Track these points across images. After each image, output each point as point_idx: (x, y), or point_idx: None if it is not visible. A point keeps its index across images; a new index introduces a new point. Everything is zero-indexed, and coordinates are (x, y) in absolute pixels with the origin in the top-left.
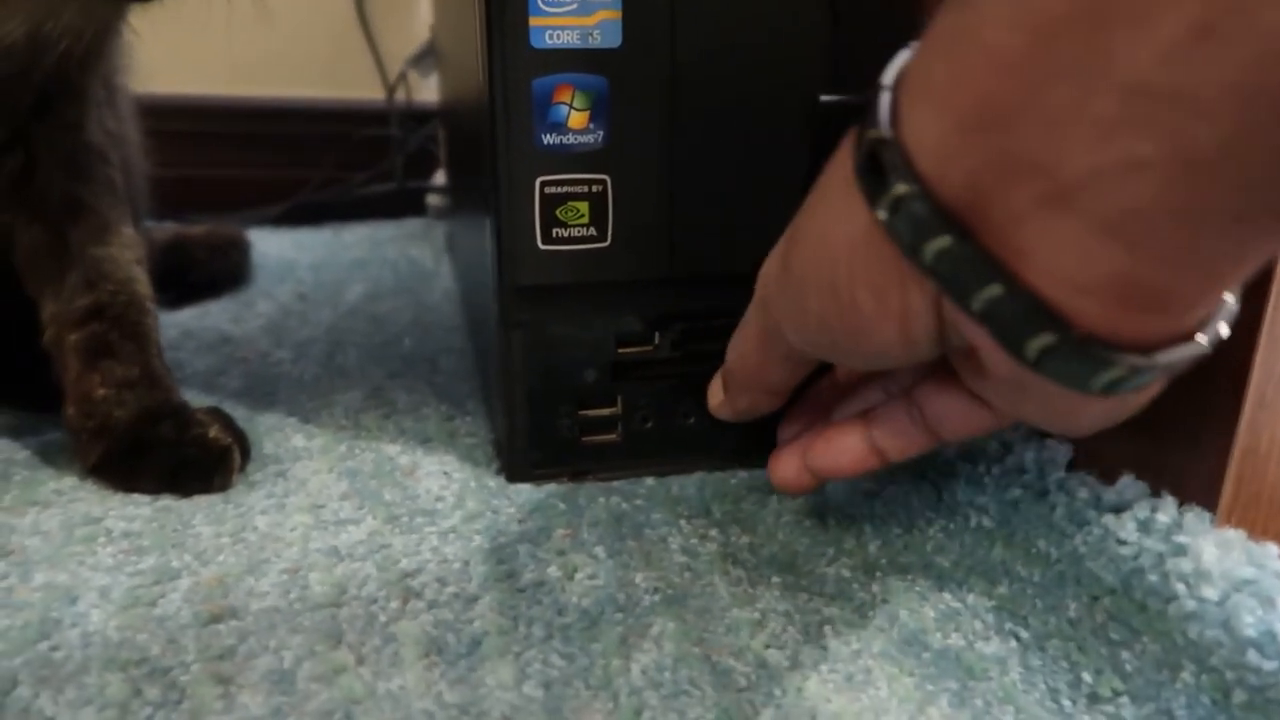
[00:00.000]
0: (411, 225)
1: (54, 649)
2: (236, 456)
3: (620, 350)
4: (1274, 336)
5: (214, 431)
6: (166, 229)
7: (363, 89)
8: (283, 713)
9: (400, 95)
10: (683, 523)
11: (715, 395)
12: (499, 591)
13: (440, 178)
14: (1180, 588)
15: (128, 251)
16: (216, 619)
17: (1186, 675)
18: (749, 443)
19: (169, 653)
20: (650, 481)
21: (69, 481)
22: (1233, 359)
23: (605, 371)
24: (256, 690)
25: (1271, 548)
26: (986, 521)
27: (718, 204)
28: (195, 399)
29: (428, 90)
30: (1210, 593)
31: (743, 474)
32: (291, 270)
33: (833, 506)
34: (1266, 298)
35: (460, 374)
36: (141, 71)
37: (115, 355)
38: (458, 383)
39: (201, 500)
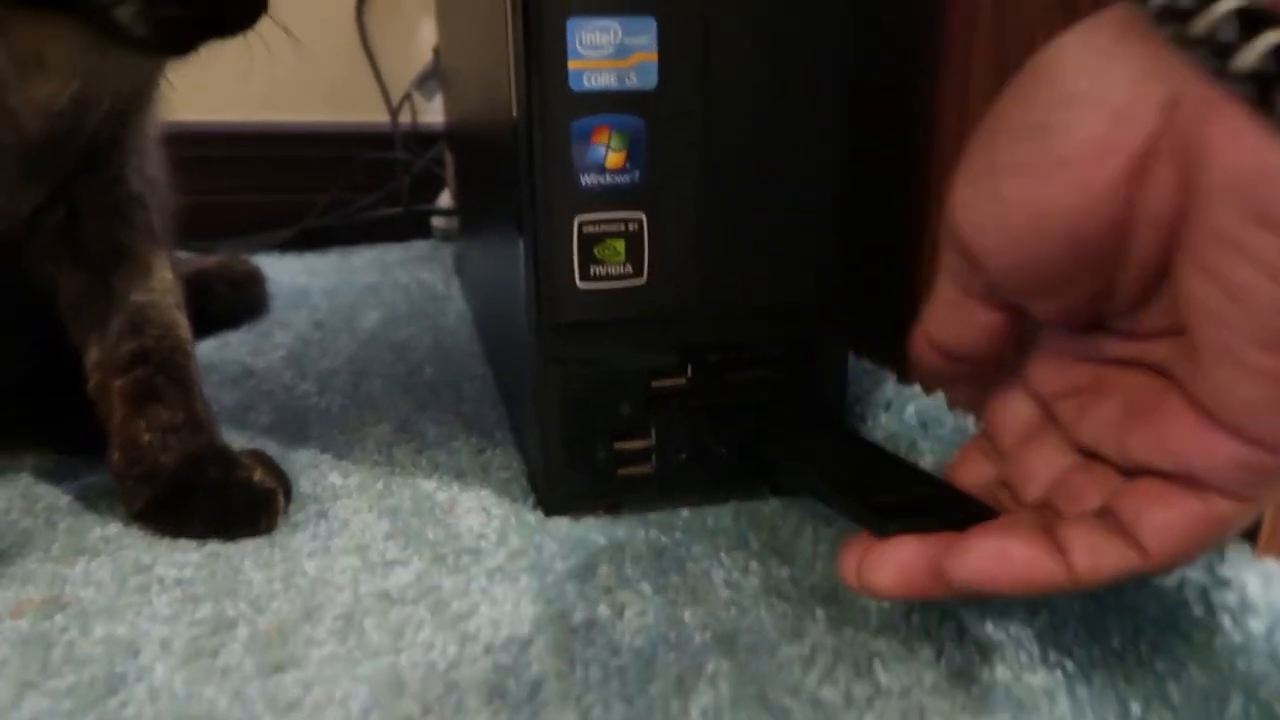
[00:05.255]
0: (419, 248)
1: (123, 705)
2: (280, 499)
3: (654, 383)
4: None
5: (258, 474)
6: (184, 262)
7: (366, 112)
8: None
9: (404, 118)
10: (723, 555)
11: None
12: (552, 633)
13: (445, 199)
14: (1226, 620)
15: (169, 296)
16: (279, 669)
17: (1235, 707)
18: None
19: (236, 705)
20: (685, 513)
21: (114, 528)
22: None
23: (639, 404)
24: None
25: None
26: None
27: (750, 237)
28: (228, 435)
29: (432, 112)
30: (1257, 625)
31: (775, 502)
32: (305, 297)
33: None
34: None
35: (484, 400)
36: None
37: (160, 400)
38: (484, 410)
39: (248, 544)
